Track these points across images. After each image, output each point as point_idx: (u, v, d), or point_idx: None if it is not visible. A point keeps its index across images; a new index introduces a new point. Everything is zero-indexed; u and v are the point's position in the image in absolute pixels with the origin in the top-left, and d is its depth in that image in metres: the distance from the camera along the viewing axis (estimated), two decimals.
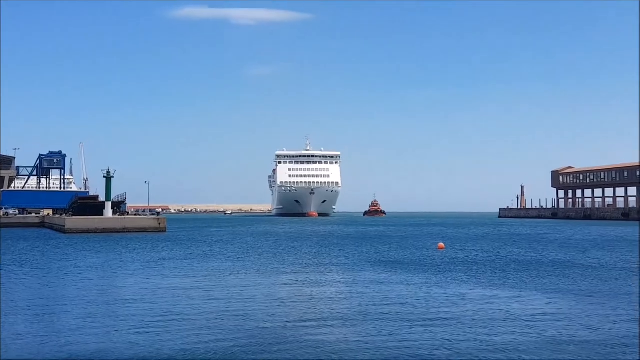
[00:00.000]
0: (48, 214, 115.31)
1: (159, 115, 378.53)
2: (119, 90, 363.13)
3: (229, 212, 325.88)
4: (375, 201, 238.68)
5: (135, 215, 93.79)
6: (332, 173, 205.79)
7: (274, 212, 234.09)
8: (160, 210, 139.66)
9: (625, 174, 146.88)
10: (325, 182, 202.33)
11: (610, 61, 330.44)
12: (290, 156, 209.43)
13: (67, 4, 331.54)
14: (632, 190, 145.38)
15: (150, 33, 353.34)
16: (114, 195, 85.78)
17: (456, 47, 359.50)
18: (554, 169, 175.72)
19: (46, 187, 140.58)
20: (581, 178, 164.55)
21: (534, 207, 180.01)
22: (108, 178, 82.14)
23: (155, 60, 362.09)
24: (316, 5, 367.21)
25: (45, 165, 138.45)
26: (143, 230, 77.09)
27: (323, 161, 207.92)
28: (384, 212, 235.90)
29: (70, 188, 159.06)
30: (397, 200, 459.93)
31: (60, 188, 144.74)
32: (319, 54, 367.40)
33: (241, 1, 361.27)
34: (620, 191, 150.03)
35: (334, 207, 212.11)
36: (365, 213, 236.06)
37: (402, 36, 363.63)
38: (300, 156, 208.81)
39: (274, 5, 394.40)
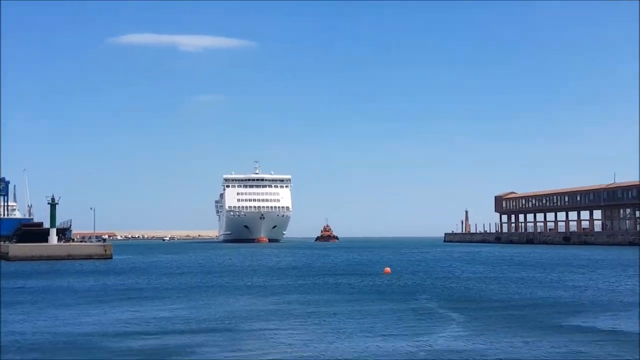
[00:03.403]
0: None
1: (104, 142, 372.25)
2: (62, 117, 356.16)
3: (167, 238, 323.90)
4: (327, 226, 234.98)
5: (81, 242, 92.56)
6: (283, 197, 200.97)
7: (221, 237, 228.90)
8: (106, 236, 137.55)
9: (566, 198, 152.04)
10: (275, 207, 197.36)
11: (557, 84, 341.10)
12: (238, 180, 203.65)
13: (7, 27, 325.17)
14: (573, 215, 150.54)
15: (94, 59, 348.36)
16: (59, 222, 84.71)
17: (400, 75, 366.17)
18: (497, 193, 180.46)
19: None
20: (523, 202, 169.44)
21: (478, 231, 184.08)
22: (52, 205, 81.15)
23: (99, 86, 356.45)
24: (262, 33, 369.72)
25: None
26: (89, 257, 76.27)
27: (273, 185, 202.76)
28: (336, 237, 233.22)
29: (14, 215, 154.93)
30: (349, 225, 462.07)
31: (4, 215, 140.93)
32: (265, 81, 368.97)
33: (188, 28, 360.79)
34: (561, 215, 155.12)
35: (284, 232, 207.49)
36: (318, 238, 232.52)
37: (347, 64, 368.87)
38: (249, 179, 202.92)
39: (220, 33, 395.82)
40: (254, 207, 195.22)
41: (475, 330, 20.56)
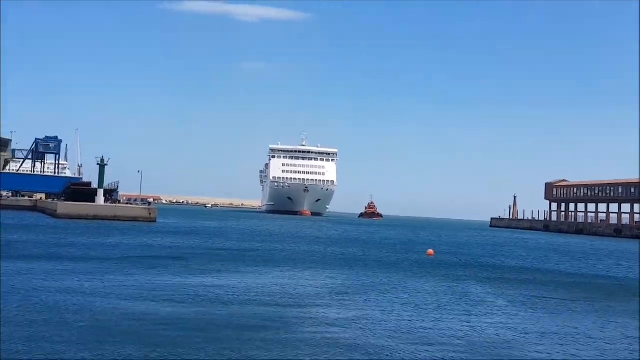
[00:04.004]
0: (41, 198, 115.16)
1: (155, 106, 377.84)
2: (117, 80, 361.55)
3: (209, 206, 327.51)
4: (371, 203, 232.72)
5: (127, 204, 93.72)
6: (328, 171, 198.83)
7: (264, 208, 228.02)
8: (152, 200, 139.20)
9: (620, 190, 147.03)
10: (320, 180, 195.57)
11: (611, 75, 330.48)
12: (285, 151, 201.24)
13: None
14: (626, 207, 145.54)
15: (150, 25, 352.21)
16: (107, 183, 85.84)
17: (454, 52, 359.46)
18: (548, 181, 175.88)
19: (40, 171, 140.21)
20: (575, 192, 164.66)
21: (526, 218, 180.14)
22: (102, 166, 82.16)
23: (154, 52, 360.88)
24: (318, 6, 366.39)
25: (41, 149, 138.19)
26: (134, 219, 77.14)
27: (319, 158, 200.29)
28: (380, 215, 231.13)
29: (65, 173, 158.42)
30: (393, 203, 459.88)
31: (55, 173, 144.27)
32: (319, 53, 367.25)
33: None
34: (613, 207, 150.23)
35: (327, 206, 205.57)
36: (361, 215, 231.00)
37: (403, 41, 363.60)
38: (295, 151, 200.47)
39: (277, 4, 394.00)
40: (299, 179, 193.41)
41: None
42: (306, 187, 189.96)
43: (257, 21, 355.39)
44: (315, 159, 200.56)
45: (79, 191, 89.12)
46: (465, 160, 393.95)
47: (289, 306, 20.30)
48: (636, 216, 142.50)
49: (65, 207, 79.57)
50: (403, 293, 24.88)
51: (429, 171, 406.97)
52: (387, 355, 14.39)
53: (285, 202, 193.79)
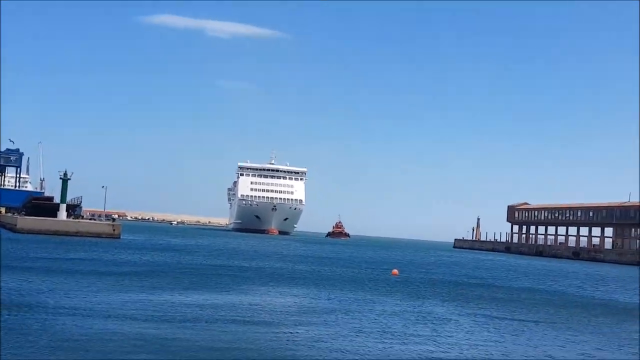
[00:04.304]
0: (0, 212, 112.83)
1: (121, 121, 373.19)
2: (82, 93, 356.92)
3: (175, 223, 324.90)
4: (339, 222, 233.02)
5: (90, 219, 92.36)
6: (297, 190, 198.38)
7: (231, 226, 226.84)
8: (116, 216, 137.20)
9: (579, 213, 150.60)
10: (288, 199, 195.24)
11: (581, 94, 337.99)
12: (253, 168, 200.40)
13: (38, 4, 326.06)
14: (584, 230, 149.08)
15: (121, 38, 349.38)
16: (69, 198, 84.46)
17: (420, 74, 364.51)
18: (511, 203, 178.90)
19: (1, 185, 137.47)
20: (536, 215, 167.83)
21: (488, 239, 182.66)
22: (64, 180, 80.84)
23: (122, 65, 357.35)
24: (291, 23, 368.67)
25: (2, 162, 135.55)
26: (97, 235, 75.92)
27: (288, 176, 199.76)
28: (347, 235, 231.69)
29: (26, 187, 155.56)
30: (360, 223, 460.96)
31: (15, 186, 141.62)
32: (289, 71, 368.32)
33: (219, 14, 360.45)
34: (572, 230, 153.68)
35: (295, 225, 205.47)
36: (329, 234, 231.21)
37: (373, 65, 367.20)
38: (264, 169, 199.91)
39: (251, 21, 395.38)
40: (267, 197, 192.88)
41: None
42: (274, 206, 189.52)
43: (229, 38, 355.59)
44: (284, 178, 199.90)
45: (41, 206, 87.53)
46: (430, 182, 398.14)
47: (257, 324, 20.38)
48: (593, 239, 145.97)
49: (25, 221, 78.04)
50: (370, 312, 25.13)
51: (394, 192, 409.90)
52: None
53: (252, 220, 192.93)
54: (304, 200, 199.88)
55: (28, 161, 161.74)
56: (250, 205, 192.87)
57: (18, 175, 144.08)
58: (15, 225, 78.18)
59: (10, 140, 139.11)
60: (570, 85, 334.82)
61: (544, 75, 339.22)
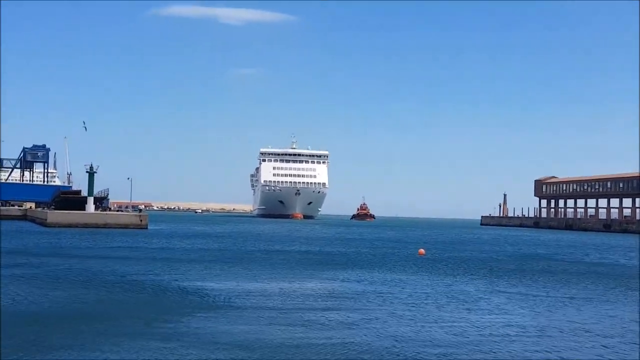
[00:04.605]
0: (30, 207, 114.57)
1: (143, 113, 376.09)
2: (103, 86, 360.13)
3: (199, 211, 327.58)
4: (364, 204, 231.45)
5: (117, 211, 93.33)
6: (319, 173, 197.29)
7: (255, 212, 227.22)
8: (143, 207, 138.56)
9: (608, 185, 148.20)
10: (311, 183, 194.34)
11: (602, 71, 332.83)
12: (275, 154, 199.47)
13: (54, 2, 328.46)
14: (615, 202, 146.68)
15: (136, 30, 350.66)
16: (96, 190, 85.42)
17: (444, 49, 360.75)
18: (537, 178, 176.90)
19: (30, 180, 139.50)
20: (564, 188, 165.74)
21: (516, 215, 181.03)
22: (91, 173, 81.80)
23: (140, 57, 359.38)
24: (304, 7, 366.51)
25: (29, 158, 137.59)
26: (124, 226, 76.73)
27: (310, 160, 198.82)
28: (373, 216, 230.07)
29: (54, 182, 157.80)
30: (385, 204, 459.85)
31: (44, 182, 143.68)
32: (306, 56, 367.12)
33: (229, 0, 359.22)
34: (602, 202, 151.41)
35: (319, 209, 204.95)
36: (354, 216, 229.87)
37: (392, 41, 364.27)
38: (286, 154, 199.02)
39: (262, 6, 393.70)
40: (290, 182, 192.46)
41: None
42: (297, 190, 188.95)
43: (243, 25, 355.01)
44: (306, 162, 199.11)
45: (69, 200, 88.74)
46: (455, 160, 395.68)
47: (290, 310, 20.29)
48: (625, 210, 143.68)
49: (55, 215, 79.14)
50: (400, 293, 24.93)
51: (420, 171, 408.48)
52: (392, 355, 14.42)
53: (276, 205, 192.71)
54: (327, 184, 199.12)
55: (55, 156, 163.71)
56: (274, 190, 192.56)
57: (46, 171, 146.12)
58: (46, 219, 79.30)
59: (84, 124, 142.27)
60: (597, 53, 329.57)
61: (569, 44, 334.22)
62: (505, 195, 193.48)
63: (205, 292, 23.43)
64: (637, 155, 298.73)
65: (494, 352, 15.07)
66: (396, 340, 16.01)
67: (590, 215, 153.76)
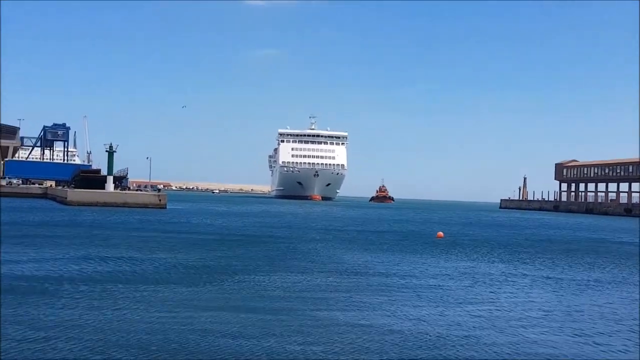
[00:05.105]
0: (51, 185, 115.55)
1: (163, 92, 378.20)
2: (124, 66, 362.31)
3: (216, 191, 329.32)
4: (383, 186, 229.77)
5: (136, 190, 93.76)
6: (338, 155, 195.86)
7: (273, 193, 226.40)
8: (161, 186, 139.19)
9: (630, 169, 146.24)
10: (330, 164, 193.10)
11: (625, 54, 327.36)
12: (293, 135, 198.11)
13: None
14: (636, 186, 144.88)
15: (158, 10, 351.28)
16: (116, 170, 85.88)
17: (467, 35, 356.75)
18: (558, 161, 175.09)
19: (50, 159, 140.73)
20: (585, 172, 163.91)
21: (536, 199, 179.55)
22: (110, 152, 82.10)
23: (161, 37, 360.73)
24: None
25: (49, 137, 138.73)
26: (144, 205, 77.06)
27: (329, 142, 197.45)
28: (392, 198, 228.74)
29: (74, 161, 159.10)
30: (404, 186, 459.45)
31: (64, 160, 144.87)
32: (327, 38, 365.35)
33: None
34: (623, 186, 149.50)
35: (338, 190, 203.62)
36: (372, 198, 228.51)
37: (415, 24, 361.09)
38: (304, 135, 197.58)
39: None
40: (309, 163, 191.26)
41: None
42: (316, 172, 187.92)
43: (266, 5, 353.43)
44: (325, 143, 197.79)
45: (89, 178, 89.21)
46: (475, 143, 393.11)
47: (313, 290, 20.10)
48: None
49: (75, 194, 79.64)
50: (423, 275, 24.65)
51: (439, 153, 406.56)
52: (419, 338, 14.17)
53: (295, 186, 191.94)
54: (345, 165, 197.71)
55: (75, 135, 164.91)
56: (292, 171, 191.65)
57: (66, 149, 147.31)
58: (66, 197, 79.86)
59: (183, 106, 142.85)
60: (616, 37, 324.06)
61: (590, 29, 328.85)
62: (525, 178, 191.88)
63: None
64: None
65: (522, 335, 14.75)
66: (422, 321, 15.77)
67: (611, 200, 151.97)
